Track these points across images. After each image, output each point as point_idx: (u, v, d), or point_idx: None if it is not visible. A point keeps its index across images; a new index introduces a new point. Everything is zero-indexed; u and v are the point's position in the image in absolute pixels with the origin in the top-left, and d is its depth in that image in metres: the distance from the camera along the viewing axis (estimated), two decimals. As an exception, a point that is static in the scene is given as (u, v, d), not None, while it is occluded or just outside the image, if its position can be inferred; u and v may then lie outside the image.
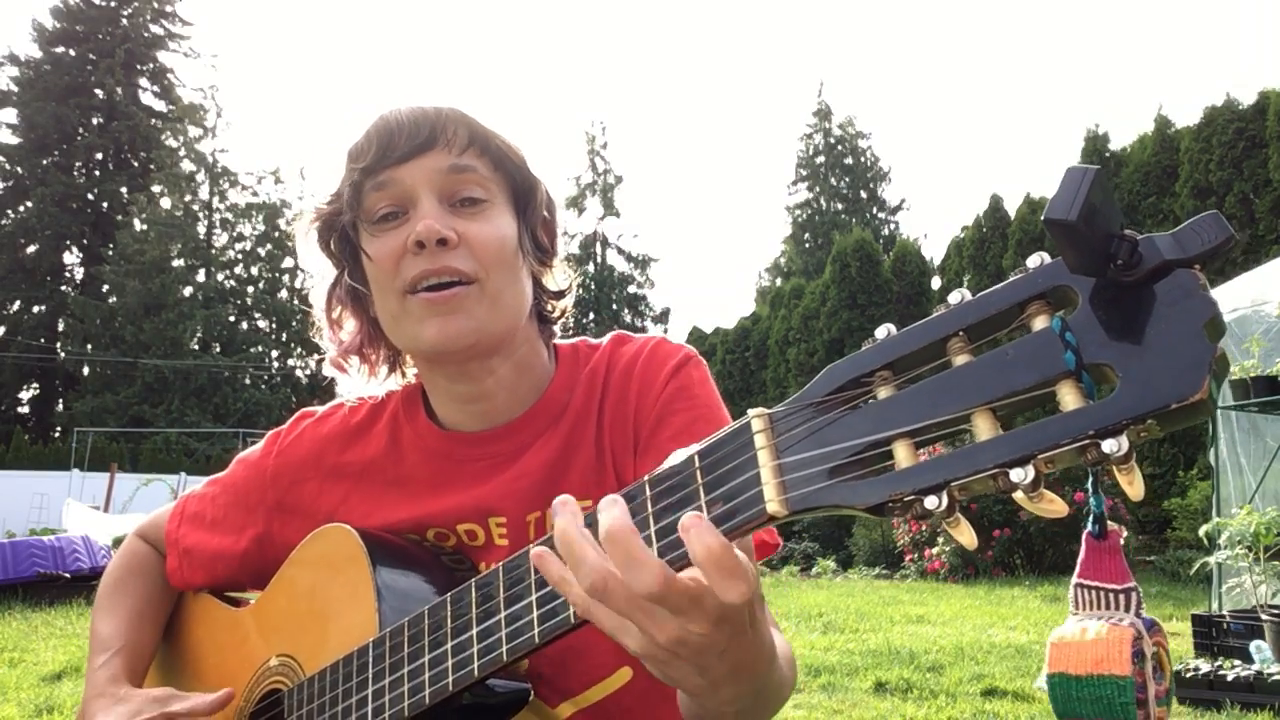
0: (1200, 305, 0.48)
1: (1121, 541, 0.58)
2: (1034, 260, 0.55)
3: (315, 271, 1.17)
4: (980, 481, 0.54)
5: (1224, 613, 5.59)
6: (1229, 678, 4.51)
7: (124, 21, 36.40)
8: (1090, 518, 0.57)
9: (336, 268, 1.15)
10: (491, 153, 1.09)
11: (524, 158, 1.12)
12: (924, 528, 10.46)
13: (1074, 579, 0.60)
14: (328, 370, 1.21)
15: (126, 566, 1.33)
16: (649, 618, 0.66)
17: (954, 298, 0.58)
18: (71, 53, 35.49)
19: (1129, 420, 0.49)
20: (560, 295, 1.19)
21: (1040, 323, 0.54)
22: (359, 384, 1.19)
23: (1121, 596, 0.57)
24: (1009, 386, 0.53)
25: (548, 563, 0.71)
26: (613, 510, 0.67)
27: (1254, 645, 4.86)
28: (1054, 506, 0.53)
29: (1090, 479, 0.56)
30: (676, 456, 0.72)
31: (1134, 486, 0.51)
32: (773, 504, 0.63)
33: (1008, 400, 0.54)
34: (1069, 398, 0.51)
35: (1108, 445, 0.49)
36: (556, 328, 1.21)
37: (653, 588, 0.64)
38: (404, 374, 1.21)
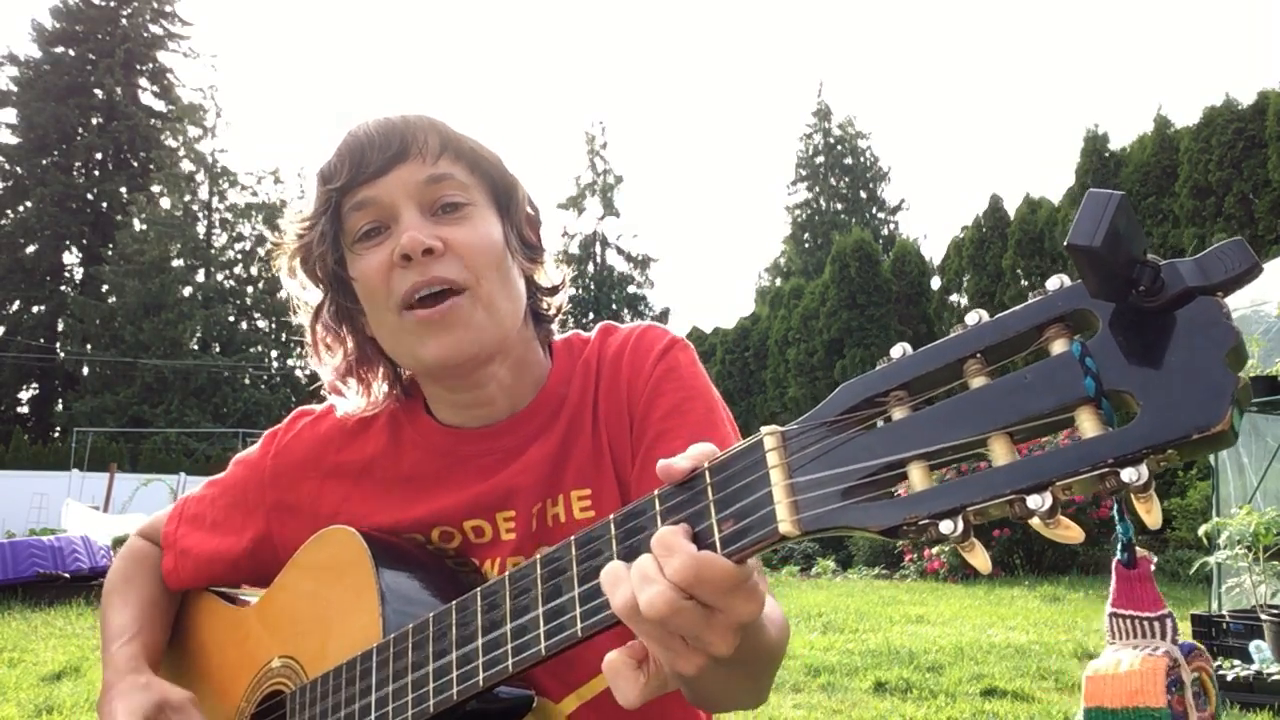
0: (1223, 333, 0.48)
1: (1152, 568, 0.58)
2: (1054, 283, 0.54)
3: (302, 299, 1.17)
4: (997, 507, 0.54)
5: (1223, 613, 5.59)
6: (1229, 678, 4.51)
7: (124, 21, 36.32)
8: (1119, 545, 0.57)
9: (323, 292, 1.14)
10: (466, 156, 1.08)
11: (499, 157, 1.12)
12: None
13: (1107, 608, 0.60)
14: (327, 394, 1.21)
15: (134, 561, 1.33)
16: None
17: (971, 319, 0.57)
18: (71, 53, 35.43)
19: (1149, 449, 0.48)
20: (554, 291, 1.19)
21: (1059, 346, 0.53)
22: (357, 403, 1.18)
23: (1156, 624, 0.57)
24: (1027, 411, 0.53)
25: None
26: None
27: (1254, 645, 4.86)
28: (1070, 533, 0.53)
29: (1115, 506, 0.55)
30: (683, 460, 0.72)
31: (1152, 515, 0.50)
32: (785, 524, 0.63)
33: (1025, 425, 0.53)
34: (1088, 424, 0.51)
35: (1127, 474, 0.48)
36: (555, 326, 1.21)
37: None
38: (402, 388, 1.20)
